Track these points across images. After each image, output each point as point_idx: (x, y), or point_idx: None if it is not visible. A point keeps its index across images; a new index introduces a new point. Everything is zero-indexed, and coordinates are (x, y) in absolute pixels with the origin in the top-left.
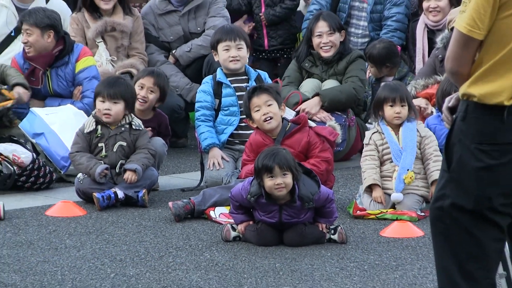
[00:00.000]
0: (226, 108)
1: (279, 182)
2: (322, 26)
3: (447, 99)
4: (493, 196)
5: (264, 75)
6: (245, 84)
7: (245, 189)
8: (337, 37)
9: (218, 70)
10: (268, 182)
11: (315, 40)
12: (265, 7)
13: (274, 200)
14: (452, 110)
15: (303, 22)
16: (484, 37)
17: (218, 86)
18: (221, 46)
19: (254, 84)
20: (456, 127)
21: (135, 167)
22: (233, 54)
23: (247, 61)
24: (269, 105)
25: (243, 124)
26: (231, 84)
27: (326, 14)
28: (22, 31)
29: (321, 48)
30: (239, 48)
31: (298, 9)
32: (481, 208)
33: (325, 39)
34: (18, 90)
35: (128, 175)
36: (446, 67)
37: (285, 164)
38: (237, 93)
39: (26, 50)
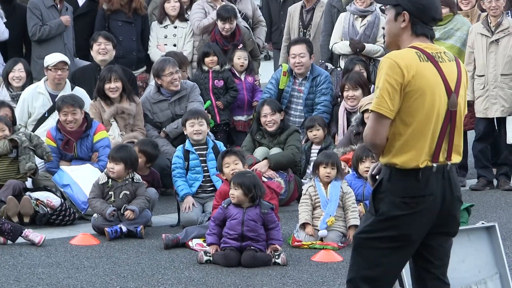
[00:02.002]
0: (192, 169)
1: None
2: (266, 109)
3: (371, 168)
4: (412, 233)
5: (220, 144)
6: (205, 152)
7: (221, 206)
8: (277, 116)
9: (187, 141)
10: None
11: (262, 119)
12: (213, 95)
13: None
14: (373, 176)
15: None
16: (394, 116)
17: (186, 153)
18: (188, 123)
19: (211, 151)
20: (384, 186)
21: (134, 208)
22: (196, 129)
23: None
24: (236, 164)
25: (204, 179)
26: (196, 151)
27: (269, 101)
28: (65, 111)
29: (266, 124)
30: (201, 124)
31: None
32: (400, 239)
33: (269, 118)
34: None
35: (128, 213)
36: (366, 139)
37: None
38: (200, 158)
39: (70, 126)
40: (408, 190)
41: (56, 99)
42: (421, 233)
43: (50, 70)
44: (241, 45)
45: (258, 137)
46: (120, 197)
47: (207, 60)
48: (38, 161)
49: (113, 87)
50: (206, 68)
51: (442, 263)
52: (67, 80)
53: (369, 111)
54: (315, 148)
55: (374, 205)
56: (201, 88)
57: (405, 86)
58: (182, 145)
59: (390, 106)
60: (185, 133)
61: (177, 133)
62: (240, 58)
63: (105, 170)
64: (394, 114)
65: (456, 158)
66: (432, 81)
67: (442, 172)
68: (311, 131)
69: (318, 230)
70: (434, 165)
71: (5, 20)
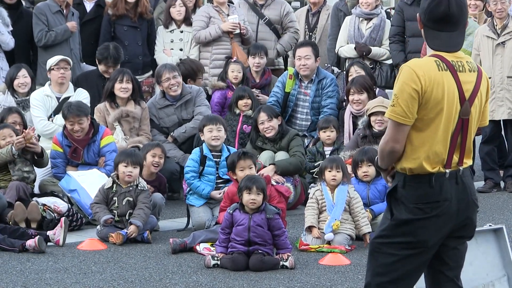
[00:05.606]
0: (206, 175)
1: (253, 198)
2: (262, 116)
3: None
4: (428, 239)
5: (234, 151)
6: (219, 159)
7: (226, 212)
8: (275, 122)
9: (204, 145)
10: (246, 197)
11: (260, 126)
12: (239, 139)
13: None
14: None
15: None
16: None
17: (203, 158)
18: (206, 129)
19: (225, 160)
20: (399, 192)
21: (138, 224)
22: (214, 135)
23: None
24: (250, 168)
25: (216, 185)
26: (213, 158)
27: (265, 107)
28: (71, 121)
29: (264, 131)
30: (219, 130)
31: None
32: (416, 246)
33: (266, 125)
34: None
35: (132, 230)
36: (385, 147)
37: (260, 186)
38: (216, 166)
39: (77, 135)
40: (422, 196)
41: (62, 101)
42: (437, 238)
43: (53, 70)
44: (235, 58)
45: (259, 143)
46: (124, 203)
47: (240, 102)
48: (40, 171)
49: (124, 87)
50: (237, 111)
51: (457, 265)
52: (70, 82)
53: (385, 117)
54: (327, 150)
55: (390, 209)
56: (228, 130)
57: (423, 94)
58: (198, 148)
59: (407, 113)
60: (202, 139)
61: (185, 138)
62: (233, 71)
63: (112, 175)
64: (411, 120)
65: (468, 161)
66: (448, 90)
67: (455, 177)
68: (324, 132)
69: (325, 234)
70: (447, 171)
71: (11, 28)
